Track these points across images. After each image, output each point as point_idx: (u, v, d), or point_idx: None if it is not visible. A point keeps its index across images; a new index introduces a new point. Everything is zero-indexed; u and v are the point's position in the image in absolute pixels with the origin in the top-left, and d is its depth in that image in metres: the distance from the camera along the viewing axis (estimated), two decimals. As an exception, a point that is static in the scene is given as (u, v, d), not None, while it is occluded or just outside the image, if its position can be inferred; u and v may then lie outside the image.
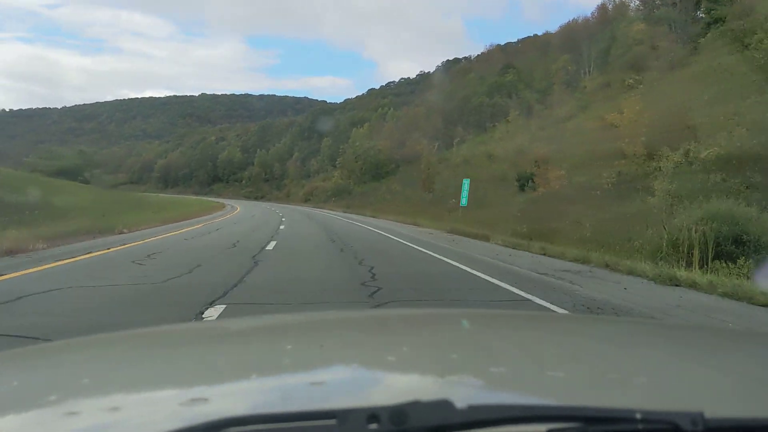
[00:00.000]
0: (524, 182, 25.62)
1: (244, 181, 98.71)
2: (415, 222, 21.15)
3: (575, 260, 9.17)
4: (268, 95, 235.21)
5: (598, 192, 19.18)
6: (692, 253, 8.15)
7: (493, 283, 6.89)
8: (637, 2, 55.15)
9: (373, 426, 0.56)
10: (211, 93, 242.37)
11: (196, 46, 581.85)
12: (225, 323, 2.46)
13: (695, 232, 8.09)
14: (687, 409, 0.59)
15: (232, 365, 0.99)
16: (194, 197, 68.09)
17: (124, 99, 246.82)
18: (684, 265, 8.08)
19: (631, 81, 26.36)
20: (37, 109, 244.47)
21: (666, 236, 8.85)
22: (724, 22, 27.46)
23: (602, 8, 65.81)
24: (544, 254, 10.40)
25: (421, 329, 1.39)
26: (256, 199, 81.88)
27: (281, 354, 1.07)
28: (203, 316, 4.45)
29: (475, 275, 7.62)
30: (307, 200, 64.55)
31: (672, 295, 6.32)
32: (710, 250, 8.03)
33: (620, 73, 42.05)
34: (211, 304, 4.92)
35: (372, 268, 7.74)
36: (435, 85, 76.70)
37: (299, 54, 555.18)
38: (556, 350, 1.12)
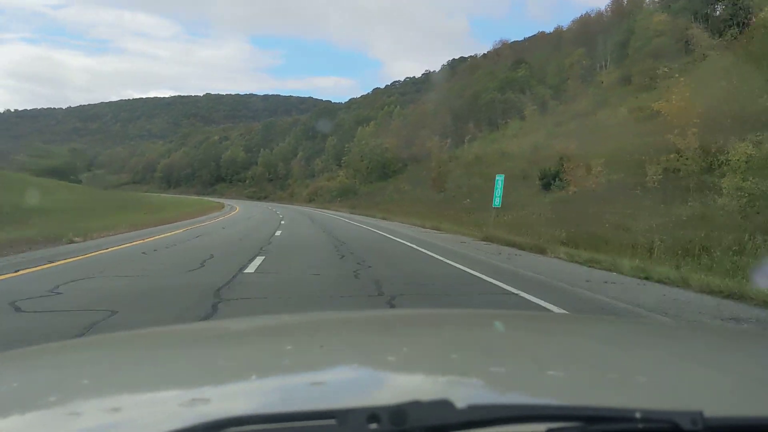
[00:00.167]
0: (549, 180, 23.30)
1: (247, 181, 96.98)
2: (437, 226, 18.06)
3: (721, 292, 5.95)
4: (273, 95, 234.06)
5: (638, 191, 16.89)
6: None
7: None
8: (656, -7, 52.76)
9: (373, 426, 0.56)
10: (216, 93, 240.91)
11: (200, 46, 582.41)
12: (225, 323, 2.19)
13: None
14: (687, 409, 0.59)
15: (233, 365, 0.98)
16: (195, 197, 66.60)
17: (128, 99, 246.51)
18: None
19: (665, 69, 24.03)
20: (42, 110, 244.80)
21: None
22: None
23: (616, 1, 63.75)
24: (647, 278, 7.07)
25: (421, 329, 1.38)
26: (259, 199, 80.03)
27: (281, 354, 1.06)
28: None
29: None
30: (311, 200, 62.51)
31: None
32: None
33: (642, 66, 39.79)
34: None
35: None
36: (443, 81, 74.44)
37: (303, 54, 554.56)
38: (555, 350, 1.11)
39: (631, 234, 12.09)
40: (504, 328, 1.41)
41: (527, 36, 76.78)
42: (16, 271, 6.73)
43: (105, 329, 3.90)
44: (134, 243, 10.83)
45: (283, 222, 21.27)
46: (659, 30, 44.44)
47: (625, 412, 0.60)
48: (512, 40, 76.87)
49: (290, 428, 0.57)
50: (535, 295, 6.01)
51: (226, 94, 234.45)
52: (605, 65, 53.06)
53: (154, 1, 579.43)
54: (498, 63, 67.64)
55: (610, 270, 7.99)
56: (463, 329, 1.37)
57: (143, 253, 9.21)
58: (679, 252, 9.13)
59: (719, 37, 33.62)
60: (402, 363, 0.98)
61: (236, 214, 30.42)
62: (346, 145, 66.99)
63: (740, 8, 33.23)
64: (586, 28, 62.63)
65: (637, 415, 0.59)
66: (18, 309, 4.58)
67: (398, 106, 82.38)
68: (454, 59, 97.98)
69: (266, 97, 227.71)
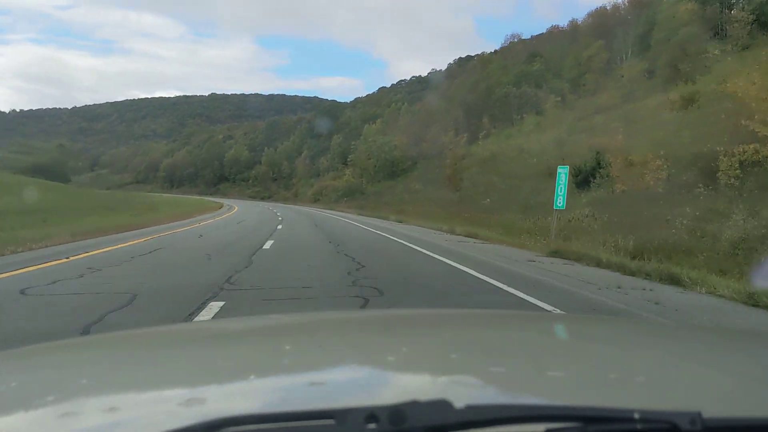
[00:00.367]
0: (586, 178, 20.61)
1: (251, 181, 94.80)
2: (472, 233, 14.10)
3: None
4: (278, 95, 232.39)
5: (701, 189, 14.22)
6: None
7: None
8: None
9: (372, 426, 0.56)
10: (221, 93, 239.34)
11: (206, 46, 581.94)
12: (224, 323, 2.21)
13: None
14: (685, 409, 0.60)
15: (231, 365, 0.98)
16: (196, 198, 64.71)
17: (134, 99, 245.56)
18: None
19: (716, 52, 21.33)
20: (47, 110, 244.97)
21: None
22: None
23: (634, -7, 61.06)
24: None
25: (420, 329, 1.38)
26: (262, 199, 77.78)
27: (280, 354, 1.06)
28: None
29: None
30: (316, 200, 60.08)
31: None
32: None
33: (670, 55, 37.06)
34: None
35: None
36: (453, 76, 71.79)
37: (309, 54, 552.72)
38: (555, 350, 1.11)
39: (720, 243, 9.45)
40: (503, 328, 1.41)
41: (534, 34, 73.84)
42: None
43: None
44: (76, 258, 7.96)
45: (279, 227, 17.45)
46: (686, 20, 41.79)
47: (624, 412, 0.60)
48: (518, 40, 74.13)
49: (289, 428, 0.57)
50: None
51: (231, 94, 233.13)
52: (625, 57, 50.34)
53: (160, 1, 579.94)
54: (510, 58, 65.09)
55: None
56: (463, 329, 1.36)
57: (82, 275, 6.33)
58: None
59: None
60: (401, 363, 0.98)
61: (229, 216, 26.88)
62: (353, 143, 64.66)
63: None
64: (603, 21, 60.15)
65: (636, 415, 0.59)
66: None
67: (405, 103, 79.98)
68: (460, 58, 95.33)
69: (271, 96, 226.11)
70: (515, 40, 74.68)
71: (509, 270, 7.99)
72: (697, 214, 12.32)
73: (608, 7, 64.88)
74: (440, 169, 37.66)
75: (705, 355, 1.10)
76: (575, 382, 0.87)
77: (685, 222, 11.19)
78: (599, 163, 20.47)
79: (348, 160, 62.15)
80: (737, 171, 13.03)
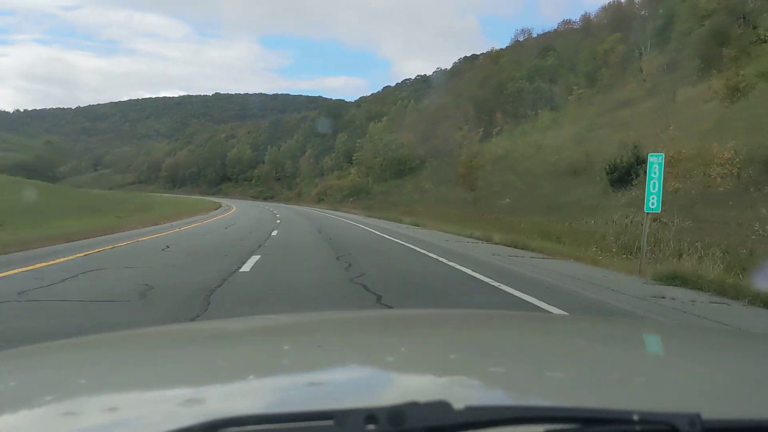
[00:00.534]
0: (622, 175, 18.34)
1: (253, 180, 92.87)
2: (513, 241, 11.32)
3: None
4: (282, 95, 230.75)
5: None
6: None
7: None
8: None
9: (371, 427, 0.56)
10: (225, 93, 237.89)
11: (210, 46, 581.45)
12: (223, 323, 2.08)
13: None
14: (684, 410, 0.60)
15: (230, 365, 0.97)
16: (196, 198, 62.98)
17: (137, 99, 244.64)
18: None
19: (768, 34, 19.10)
20: (51, 110, 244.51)
21: None
22: None
23: (651, -14, 58.80)
24: None
25: (420, 330, 1.37)
26: (265, 199, 75.81)
27: (279, 354, 1.06)
28: None
29: None
30: (320, 200, 57.99)
31: None
32: None
33: (695, 49, 34.79)
34: None
35: None
36: (462, 72, 69.58)
37: (313, 54, 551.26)
38: (554, 351, 1.11)
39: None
40: (503, 328, 1.40)
41: (544, 30, 70.96)
42: None
43: None
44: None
45: (274, 233, 14.46)
46: (710, 9, 39.51)
47: (623, 413, 0.60)
48: (534, 32, 71.72)
49: (288, 429, 0.57)
50: None
51: (235, 94, 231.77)
52: (644, 50, 48.02)
53: (165, 1, 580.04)
54: (521, 53, 62.88)
55: None
56: (462, 330, 1.35)
57: None
58: None
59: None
60: (400, 363, 0.97)
61: (221, 219, 24.20)
62: (358, 141, 62.61)
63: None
64: (617, 15, 57.96)
65: (635, 417, 0.59)
66: None
67: (412, 101, 77.90)
68: (466, 56, 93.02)
69: (275, 96, 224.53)
70: (525, 36, 72.45)
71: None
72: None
73: (623, 1, 62.80)
74: (451, 168, 35.49)
75: (704, 355, 1.09)
76: (574, 382, 0.86)
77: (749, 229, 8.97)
78: (637, 159, 18.22)
79: (353, 158, 60.12)
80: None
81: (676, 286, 6.49)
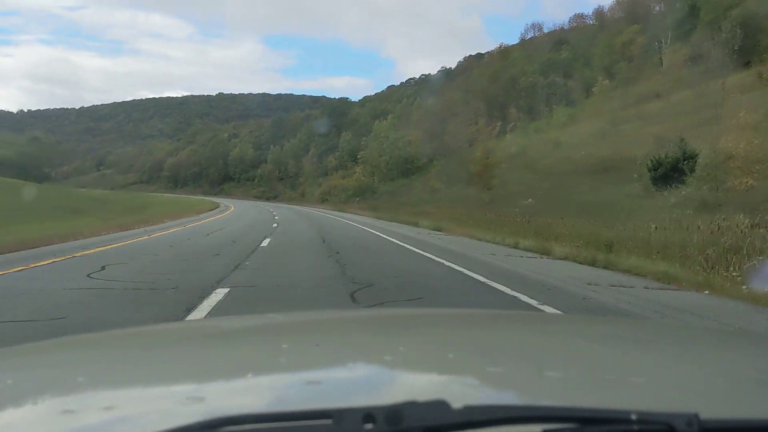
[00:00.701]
0: (667, 172, 16.05)
1: (256, 180, 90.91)
2: (591, 258, 8.21)
3: None
4: (286, 94, 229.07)
5: None
6: None
7: None
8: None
9: (369, 426, 0.56)
10: (228, 93, 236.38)
11: (214, 46, 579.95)
12: (221, 322, 2.01)
13: None
14: (683, 410, 0.60)
15: (228, 364, 0.97)
16: (196, 198, 61.14)
17: (141, 99, 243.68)
18: None
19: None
20: (55, 110, 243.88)
21: None
22: None
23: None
24: None
25: (418, 329, 1.36)
26: (267, 199, 73.77)
27: (277, 353, 1.05)
28: None
29: None
30: (324, 200, 55.87)
31: None
32: None
33: (736, 34, 32.43)
34: None
35: None
36: (469, 68, 67.31)
37: (316, 54, 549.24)
38: (552, 351, 1.10)
39: None
40: (501, 328, 1.39)
41: (550, 28, 68.31)
42: None
43: None
44: None
45: (265, 243, 11.24)
46: (737, -2, 37.14)
47: (621, 413, 0.59)
48: (530, 37, 69.10)
49: (286, 428, 0.57)
50: None
51: (239, 94, 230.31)
52: (664, 43, 45.68)
53: (169, 2, 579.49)
54: (532, 49, 60.66)
55: None
56: (460, 329, 1.35)
57: None
58: None
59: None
60: (399, 363, 0.97)
61: (211, 221, 21.66)
62: (363, 140, 60.56)
63: None
64: (632, 8, 55.68)
65: (633, 416, 0.59)
66: None
67: (418, 98, 75.79)
68: (471, 55, 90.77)
69: (280, 96, 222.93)
70: (536, 31, 70.08)
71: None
72: None
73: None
74: (462, 166, 33.32)
75: (702, 355, 1.09)
76: (573, 382, 0.86)
77: None
78: (684, 154, 15.94)
79: (358, 157, 58.04)
80: None
81: None
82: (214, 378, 0.88)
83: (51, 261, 8.13)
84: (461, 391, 0.83)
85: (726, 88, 24.70)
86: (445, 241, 12.91)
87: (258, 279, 6.61)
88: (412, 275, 7.28)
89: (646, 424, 0.58)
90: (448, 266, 8.28)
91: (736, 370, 0.95)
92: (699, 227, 8.26)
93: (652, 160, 16.53)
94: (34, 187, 27.05)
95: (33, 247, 9.71)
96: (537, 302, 5.41)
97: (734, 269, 5.86)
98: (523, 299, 5.60)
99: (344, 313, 2.48)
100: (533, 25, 70.33)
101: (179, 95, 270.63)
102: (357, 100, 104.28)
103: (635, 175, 18.35)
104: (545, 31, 68.79)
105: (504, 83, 47.45)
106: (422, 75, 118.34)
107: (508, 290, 6.18)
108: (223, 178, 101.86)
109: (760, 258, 5.87)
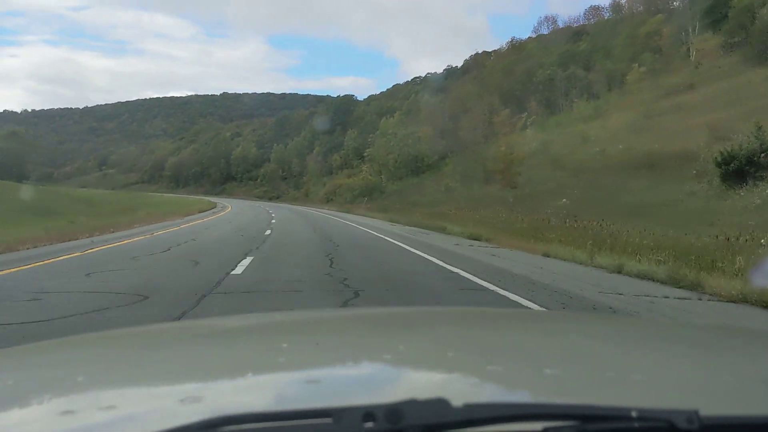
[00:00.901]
0: (740, 167, 13.35)
1: (259, 180, 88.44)
2: (763, 297, 4.47)
3: None
4: (290, 94, 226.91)
5: None
6: None
7: None
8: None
9: (369, 424, 0.56)
10: (233, 92, 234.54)
11: (218, 46, 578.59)
12: (220, 321, 1.97)
13: None
14: (683, 407, 0.59)
15: (228, 363, 0.97)
16: (195, 198, 58.99)
17: (145, 99, 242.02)
18: None
19: None
20: (59, 110, 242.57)
21: None
22: None
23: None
24: None
25: (418, 328, 1.35)
26: (270, 199, 71.28)
27: (277, 352, 1.05)
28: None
29: None
30: (328, 200, 53.28)
31: None
32: None
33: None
34: None
35: None
36: (483, 62, 64.57)
37: (321, 54, 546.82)
38: (552, 348, 1.10)
39: None
40: (501, 326, 1.38)
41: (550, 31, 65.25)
42: None
43: None
44: None
45: (240, 268, 7.40)
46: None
47: (622, 410, 0.59)
48: (535, 36, 66.16)
49: (286, 427, 0.57)
50: None
51: (243, 93, 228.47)
52: (691, 32, 42.91)
53: (173, 2, 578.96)
54: (546, 42, 57.95)
55: None
56: (460, 328, 1.34)
57: None
58: None
59: None
60: (398, 361, 0.97)
61: (198, 224, 19.26)
62: (369, 137, 57.98)
63: None
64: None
65: (633, 413, 0.59)
66: None
67: (426, 95, 73.19)
68: (477, 54, 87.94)
69: (283, 96, 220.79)
70: (550, 24, 67.24)
71: None
72: None
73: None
74: (479, 163, 30.71)
75: (703, 353, 1.08)
76: (573, 380, 0.86)
77: None
78: (761, 145, 13.24)
79: (364, 155, 55.45)
80: None
81: None
82: (213, 377, 0.87)
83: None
84: (461, 389, 0.82)
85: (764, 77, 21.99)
86: (497, 259, 8.87)
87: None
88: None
89: (647, 421, 0.58)
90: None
91: (736, 368, 0.94)
92: None
93: (722, 153, 13.83)
94: (8, 186, 24.67)
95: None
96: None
97: None
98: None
99: (344, 312, 2.50)
100: (547, 18, 67.39)
101: (183, 95, 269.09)
102: (362, 99, 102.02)
103: (693, 171, 15.66)
104: (560, 25, 66.10)
105: (520, 76, 44.74)
106: (428, 74, 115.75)
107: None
108: (225, 177, 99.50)
109: None
